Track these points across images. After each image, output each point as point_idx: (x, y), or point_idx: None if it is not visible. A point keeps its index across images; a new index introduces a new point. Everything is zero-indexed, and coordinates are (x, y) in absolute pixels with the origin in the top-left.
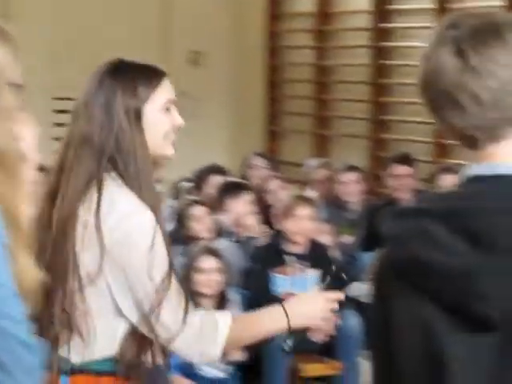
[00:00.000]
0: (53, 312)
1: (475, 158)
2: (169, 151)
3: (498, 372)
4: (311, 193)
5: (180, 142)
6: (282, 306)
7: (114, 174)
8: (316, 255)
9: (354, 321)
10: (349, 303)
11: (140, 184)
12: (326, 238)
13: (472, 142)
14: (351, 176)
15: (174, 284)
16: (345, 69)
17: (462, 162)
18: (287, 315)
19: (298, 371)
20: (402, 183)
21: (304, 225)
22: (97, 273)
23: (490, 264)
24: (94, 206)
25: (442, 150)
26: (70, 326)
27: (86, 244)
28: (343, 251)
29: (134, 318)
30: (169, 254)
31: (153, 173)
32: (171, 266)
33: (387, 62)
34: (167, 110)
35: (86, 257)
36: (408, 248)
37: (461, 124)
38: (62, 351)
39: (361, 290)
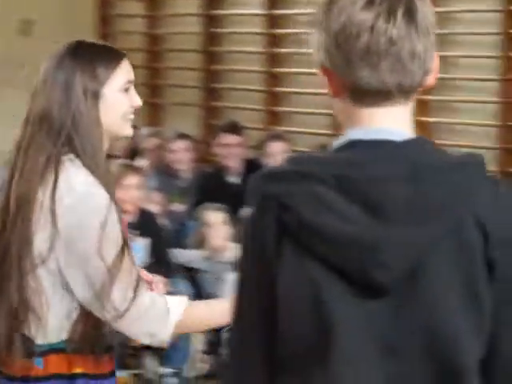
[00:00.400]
0: (10, 292)
1: (358, 121)
2: (127, 131)
3: (390, 336)
4: (142, 161)
5: (14, 112)
6: None
7: (71, 156)
8: (145, 224)
9: (184, 287)
10: (178, 270)
11: (97, 164)
12: (154, 207)
13: (374, 101)
14: (181, 144)
15: (126, 263)
16: (176, 37)
17: (292, 129)
18: None
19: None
20: (231, 151)
21: (133, 194)
22: (48, 253)
23: (382, 231)
24: (50, 187)
25: (273, 118)
26: (27, 306)
27: (41, 225)
28: (173, 219)
29: (84, 297)
30: (123, 234)
31: (105, 152)
32: (124, 245)
33: (218, 30)
34: (126, 90)
35: (39, 237)
36: (300, 211)
37: (390, 81)
38: (28, 333)
39: (190, 256)
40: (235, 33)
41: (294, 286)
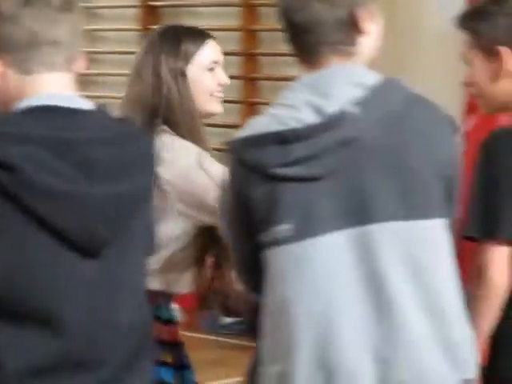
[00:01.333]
0: None
1: (34, 90)
2: (216, 108)
3: (98, 293)
4: None
5: None
6: None
7: (168, 131)
8: None
9: None
10: None
11: (194, 140)
12: None
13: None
14: None
15: None
16: None
17: None
18: None
19: None
20: None
21: None
22: (169, 214)
23: (97, 189)
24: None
25: None
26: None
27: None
28: None
29: None
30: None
31: (203, 127)
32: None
33: None
34: (211, 69)
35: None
36: (24, 172)
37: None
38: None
39: None
40: None
41: (16, 250)
